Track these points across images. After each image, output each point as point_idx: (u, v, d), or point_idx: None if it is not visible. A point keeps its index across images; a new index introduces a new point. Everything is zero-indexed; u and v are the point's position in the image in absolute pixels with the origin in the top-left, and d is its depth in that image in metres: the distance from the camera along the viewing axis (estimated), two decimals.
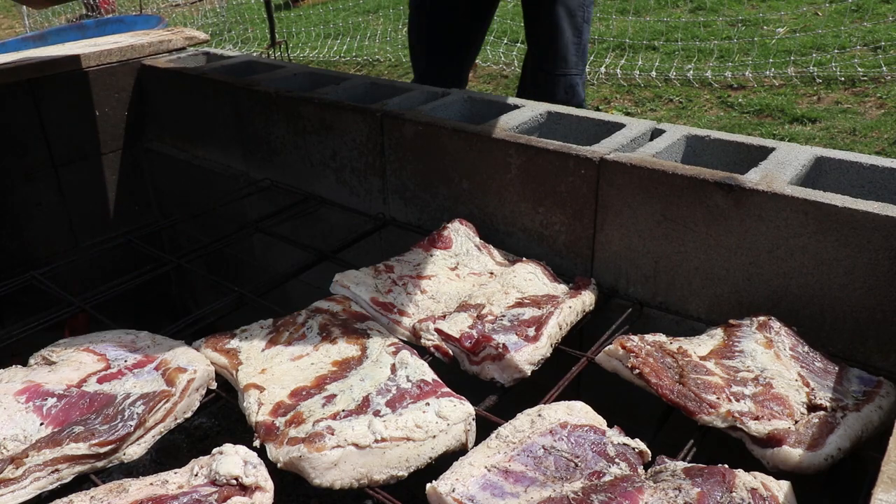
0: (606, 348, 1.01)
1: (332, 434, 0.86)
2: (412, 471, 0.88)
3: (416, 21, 2.28)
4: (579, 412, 0.91)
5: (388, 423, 0.88)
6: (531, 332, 1.08)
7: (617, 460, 0.85)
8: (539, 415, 0.90)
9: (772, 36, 4.84)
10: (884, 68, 4.15)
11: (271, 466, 0.85)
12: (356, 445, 0.85)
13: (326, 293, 1.22)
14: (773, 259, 1.10)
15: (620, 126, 1.39)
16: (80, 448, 0.87)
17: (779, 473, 0.83)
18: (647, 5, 5.76)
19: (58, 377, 0.99)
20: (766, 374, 0.96)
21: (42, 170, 1.99)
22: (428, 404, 0.91)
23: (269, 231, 1.59)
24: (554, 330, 1.10)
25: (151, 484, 0.81)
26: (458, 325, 1.10)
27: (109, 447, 0.90)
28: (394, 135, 1.52)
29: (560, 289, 1.23)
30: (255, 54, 3.53)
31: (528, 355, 1.04)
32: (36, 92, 1.91)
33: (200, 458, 0.85)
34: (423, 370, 0.99)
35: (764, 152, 1.23)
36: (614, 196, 1.23)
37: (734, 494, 0.76)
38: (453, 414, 0.91)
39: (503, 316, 1.12)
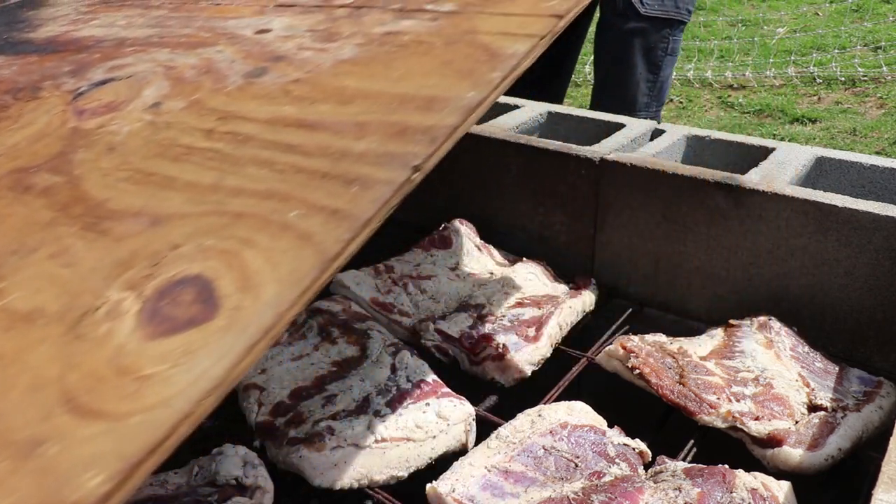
0: (607, 348, 1.01)
1: (332, 434, 0.86)
2: (412, 471, 0.88)
3: None
4: (579, 412, 0.91)
5: (389, 423, 0.88)
6: (531, 332, 1.08)
7: (617, 460, 0.85)
8: (539, 415, 0.90)
9: (772, 36, 4.84)
10: (884, 68, 4.15)
11: (271, 467, 0.85)
12: (356, 446, 0.85)
13: (326, 293, 1.22)
14: (773, 259, 1.10)
15: (620, 126, 1.39)
16: None
17: (779, 474, 0.83)
18: None
19: None
20: (767, 375, 0.96)
21: None
22: (428, 404, 0.91)
23: None
24: (554, 330, 1.10)
25: (151, 484, 0.81)
26: (458, 325, 1.09)
27: None
28: None
29: (560, 289, 1.23)
30: None
31: (528, 355, 1.04)
32: None
33: (200, 458, 0.85)
34: (423, 370, 0.99)
35: (764, 152, 1.23)
36: (614, 196, 1.23)
37: (734, 494, 0.76)
38: (453, 414, 0.91)
39: (503, 316, 1.12)
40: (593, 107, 2.03)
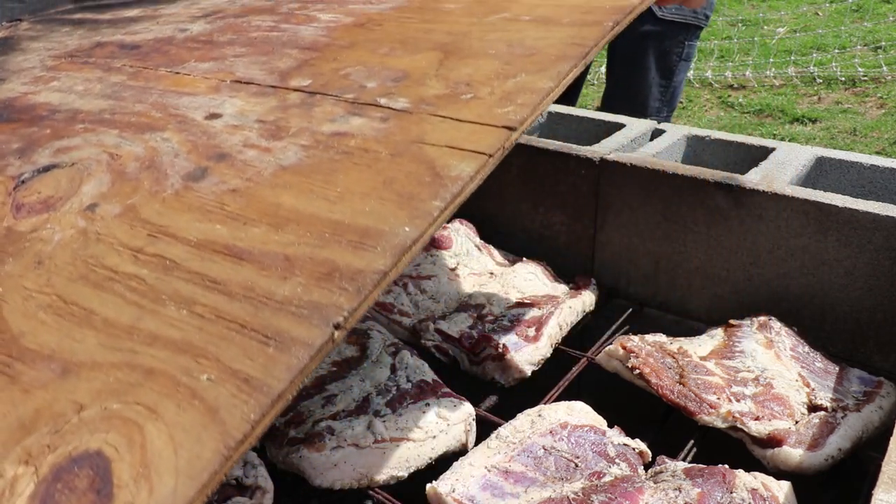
0: (607, 348, 1.01)
1: (332, 434, 0.86)
2: (412, 471, 0.88)
3: None
4: (579, 412, 0.91)
5: (389, 423, 0.88)
6: (531, 332, 1.08)
7: (617, 460, 0.85)
8: (539, 415, 0.90)
9: (772, 36, 4.84)
10: (884, 68, 4.15)
11: (271, 467, 0.85)
12: (356, 446, 0.85)
13: None
14: (773, 259, 1.10)
15: (620, 126, 1.39)
16: None
17: (779, 473, 0.83)
18: None
19: None
20: (767, 375, 0.96)
21: None
22: (428, 404, 0.91)
23: None
24: (554, 330, 1.10)
25: None
26: (458, 325, 1.09)
27: None
28: None
29: (560, 289, 1.23)
30: None
31: (528, 355, 1.04)
32: None
33: None
34: (423, 370, 0.99)
35: (764, 152, 1.23)
36: (614, 196, 1.23)
37: (734, 495, 0.76)
38: (453, 414, 0.91)
39: (503, 316, 1.12)
40: (604, 110, 2.01)
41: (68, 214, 0.68)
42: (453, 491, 0.78)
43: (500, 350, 1.04)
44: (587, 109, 1.63)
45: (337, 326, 0.49)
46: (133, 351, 0.52)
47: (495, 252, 1.35)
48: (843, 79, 4.16)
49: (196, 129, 0.76)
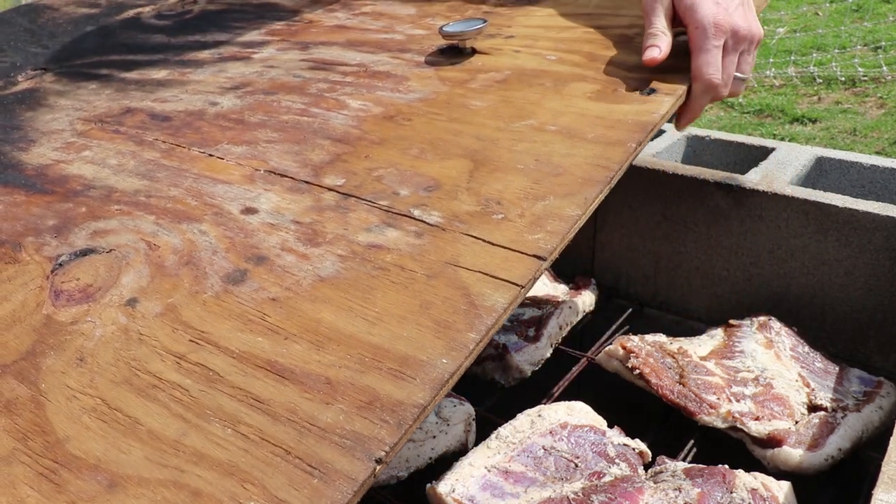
0: (607, 348, 1.01)
1: None
2: (412, 471, 0.88)
3: None
4: (579, 412, 0.91)
5: None
6: (531, 332, 1.08)
7: (617, 461, 0.85)
8: (539, 415, 0.90)
9: (772, 36, 4.84)
10: (884, 68, 4.15)
11: None
12: None
13: None
14: (773, 259, 1.10)
15: None
16: None
17: (779, 474, 0.83)
18: None
19: None
20: (767, 375, 0.96)
21: None
22: None
23: None
24: (554, 330, 1.10)
25: None
26: None
27: None
28: None
29: (560, 289, 1.23)
30: None
31: (528, 356, 1.04)
32: None
33: None
34: None
35: (764, 152, 1.23)
36: (614, 196, 1.23)
37: (734, 495, 0.76)
38: (453, 414, 0.91)
39: None
40: None
41: (109, 308, 0.67)
42: (453, 491, 0.78)
43: (500, 350, 1.04)
44: None
45: (378, 461, 0.49)
46: (180, 469, 0.51)
47: None
48: (843, 79, 4.16)
49: (233, 225, 0.75)
